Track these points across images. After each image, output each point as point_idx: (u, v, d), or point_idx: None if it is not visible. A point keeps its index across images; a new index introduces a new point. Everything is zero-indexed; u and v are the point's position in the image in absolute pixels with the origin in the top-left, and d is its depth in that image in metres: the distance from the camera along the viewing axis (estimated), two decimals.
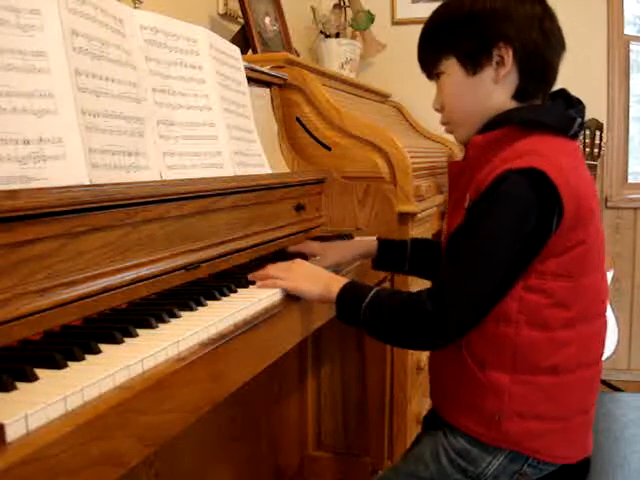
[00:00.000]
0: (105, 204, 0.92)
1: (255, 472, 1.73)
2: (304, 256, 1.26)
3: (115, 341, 0.74)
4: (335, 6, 2.85)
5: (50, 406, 0.55)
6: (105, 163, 1.00)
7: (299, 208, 1.61)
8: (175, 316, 0.86)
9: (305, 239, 1.48)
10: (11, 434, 0.51)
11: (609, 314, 1.10)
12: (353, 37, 2.92)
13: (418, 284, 1.83)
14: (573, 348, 0.98)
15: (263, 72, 1.72)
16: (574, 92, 1.08)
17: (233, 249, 1.26)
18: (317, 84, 1.85)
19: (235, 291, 1.02)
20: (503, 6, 1.02)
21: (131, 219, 0.98)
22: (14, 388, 0.59)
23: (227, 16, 2.22)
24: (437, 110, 1.13)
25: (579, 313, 0.98)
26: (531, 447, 0.98)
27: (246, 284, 1.06)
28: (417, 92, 2.40)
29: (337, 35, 2.78)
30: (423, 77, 1.15)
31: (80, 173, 0.93)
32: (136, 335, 0.77)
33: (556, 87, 1.08)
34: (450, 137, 1.18)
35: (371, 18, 2.85)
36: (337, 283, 1.03)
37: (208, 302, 0.94)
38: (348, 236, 1.59)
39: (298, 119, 1.84)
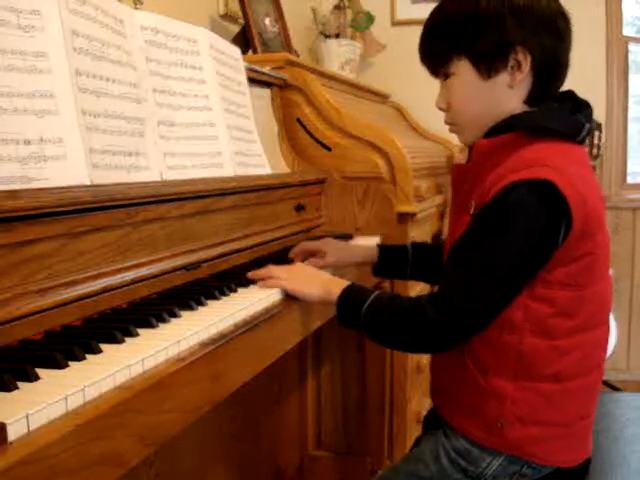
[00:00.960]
0: (105, 204, 0.92)
1: (255, 472, 1.72)
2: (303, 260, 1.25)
3: (116, 341, 0.74)
4: (335, 7, 2.85)
5: (51, 406, 0.56)
6: (105, 163, 1.00)
7: (299, 208, 1.61)
8: (175, 315, 0.86)
9: (305, 239, 1.48)
10: (12, 434, 0.51)
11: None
12: (353, 38, 2.91)
13: (418, 287, 1.83)
14: (575, 356, 0.97)
15: (263, 73, 1.72)
16: None
17: (233, 249, 1.27)
18: (317, 85, 1.86)
19: (235, 291, 1.02)
20: (520, 5, 0.96)
21: (131, 219, 0.99)
22: (15, 388, 0.59)
23: (227, 17, 2.22)
24: (441, 109, 1.07)
25: (583, 322, 0.97)
26: (532, 452, 0.98)
27: (246, 284, 1.06)
28: (417, 92, 2.41)
29: (337, 36, 2.78)
30: (423, 77, 1.11)
31: (81, 173, 0.93)
32: (137, 335, 0.77)
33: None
34: (450, 137, 1.17)
35: (371, 19, 2.85)
36: (338, 286, 1.03)
37: (208, 302, 0.94)
38: (348, 236, 1.59)
39: (298, 119, 1.84)
